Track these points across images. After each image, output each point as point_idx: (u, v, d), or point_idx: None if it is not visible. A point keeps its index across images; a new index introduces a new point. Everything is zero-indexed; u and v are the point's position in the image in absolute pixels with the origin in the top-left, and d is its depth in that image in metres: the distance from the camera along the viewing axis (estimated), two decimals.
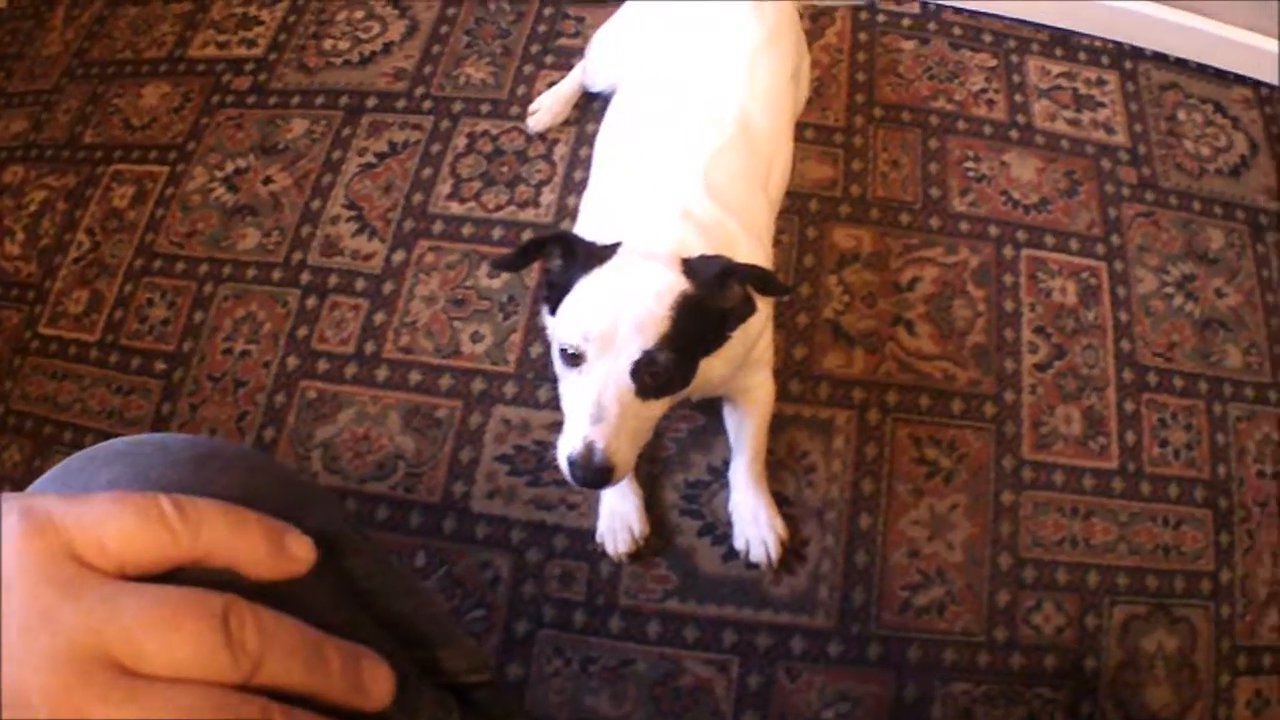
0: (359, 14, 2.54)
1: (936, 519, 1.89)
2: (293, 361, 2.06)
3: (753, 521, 1.80)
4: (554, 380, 1.40)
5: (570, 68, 2.31)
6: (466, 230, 2.17)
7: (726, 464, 1.86)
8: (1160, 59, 2.46)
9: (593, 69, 2.13)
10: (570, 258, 1.37)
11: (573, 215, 2.04)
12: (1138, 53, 2.47)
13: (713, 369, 1.48)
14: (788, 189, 1.84)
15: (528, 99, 2.33)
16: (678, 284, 1.31)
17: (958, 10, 2.51)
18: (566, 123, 2.30)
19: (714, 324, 1.38)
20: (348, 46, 2.48)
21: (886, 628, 1.81)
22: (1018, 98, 2.38)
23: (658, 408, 1.35)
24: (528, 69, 2.40)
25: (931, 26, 2.49)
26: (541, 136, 2.29)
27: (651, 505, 1.87)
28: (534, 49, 2.44)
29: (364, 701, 0.55)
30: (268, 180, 2.28)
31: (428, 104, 2.36)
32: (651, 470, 1.92)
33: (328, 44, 2.49)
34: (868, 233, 2.17)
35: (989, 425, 1.98)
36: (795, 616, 1.81)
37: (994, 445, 1.96)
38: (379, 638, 0.82)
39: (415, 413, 1.99)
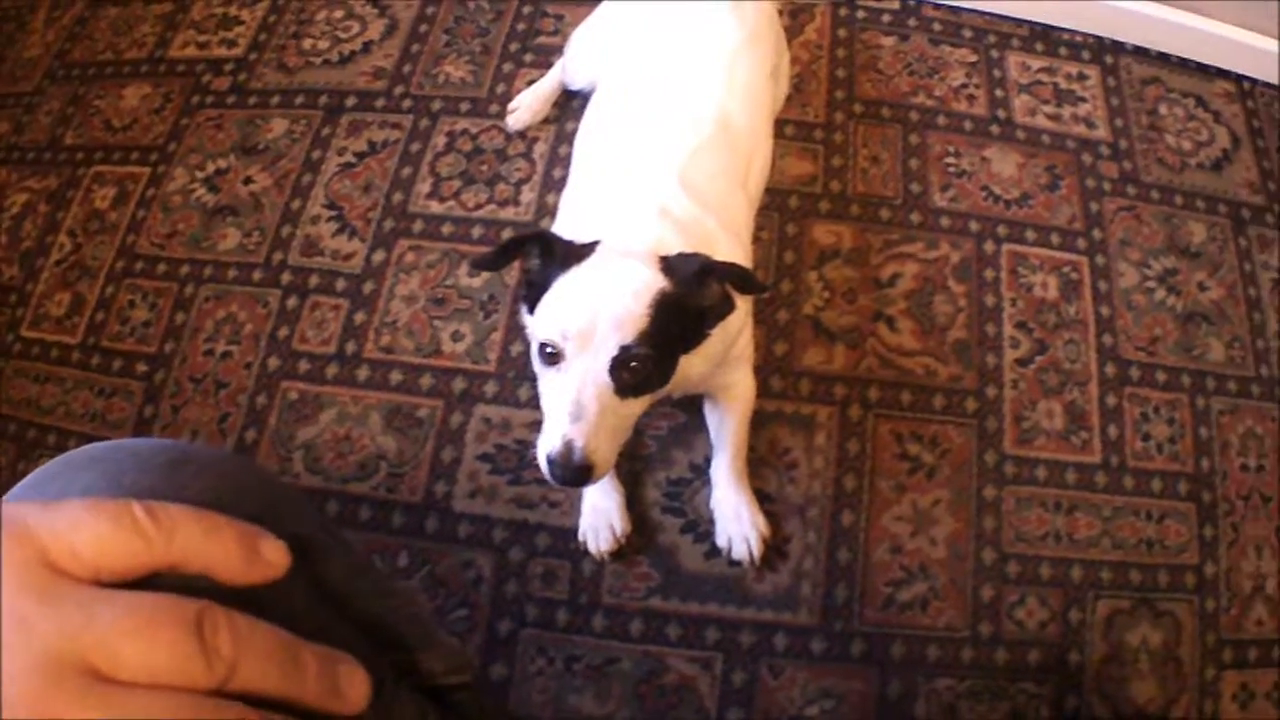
0: (338, 13, 2.53)
1: (919, 514, 1.89)
2: (274, 362, 2.05)
3: (735, 519, 1.80)
4: (534, 379, 1.39)
5: (549, 66, 2.31)
6: (446, 229, 2.17)
7: (708, 461, 1.86)
8: (1141, 53, 2.46)
9: (572, 67, 2.13)
10: (548, 256, 1.37)
11: (553, 213, 2.04)
12: (1119, 47, 2.47)
13: (692, 366, 1.48)
14: (768, 186, 1.85)
15: (507, 97, 2.33)
16: (656, 282, 1.31)
17: (937, 6, 2.51)
18: (546, 121, 2.30)
19: (693, 322, 1.37)
20: (327, 46, 2.47)
21: (870, 624, 1.81)
22: (998, 93, 2.38)
23: (637, 406, 1.34)
24: (507, 67, 2.40)
25: (911, 22, 2.49)
26: (521, 135, 2.29)
27: (633, 503, 1.87)
28: (513, 47, 2.43)
29: (340, 705, 0.55)
30: (248, 180, 2.28)
31: (407, 103, 2.36)
32: (633, 468, 1.91)
33: (307, 43, 2.49)
34: (848, 229, 2.17)
35: (971, 420, 1.98)
36: (778, 613, 1.81)
37: (976, 440, 1.96)
38: (355, 641, 0.82)
39: (396, 412, 1.98)
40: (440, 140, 2.29)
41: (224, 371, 2.06)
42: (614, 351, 1.27)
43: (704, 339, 1.42)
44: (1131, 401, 2.02)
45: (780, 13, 2.03)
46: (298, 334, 2.08)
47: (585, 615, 1.81)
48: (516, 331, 2.04)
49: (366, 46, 2.46)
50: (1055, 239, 2.18)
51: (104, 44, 2.57)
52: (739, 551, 1.80)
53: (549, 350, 1.30)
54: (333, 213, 2.21)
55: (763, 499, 1.86)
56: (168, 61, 2.51)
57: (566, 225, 1.58)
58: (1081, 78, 2.42)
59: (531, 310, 1.37)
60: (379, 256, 2.15)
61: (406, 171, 2.25)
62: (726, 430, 1.78)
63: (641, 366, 1.29)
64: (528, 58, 2.41)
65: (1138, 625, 1.84)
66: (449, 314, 2.07)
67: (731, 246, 1.55)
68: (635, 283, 1.30)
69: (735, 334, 1.60)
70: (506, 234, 2.15)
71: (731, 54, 1.72)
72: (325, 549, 0.87)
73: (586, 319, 1.28)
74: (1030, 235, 2.18)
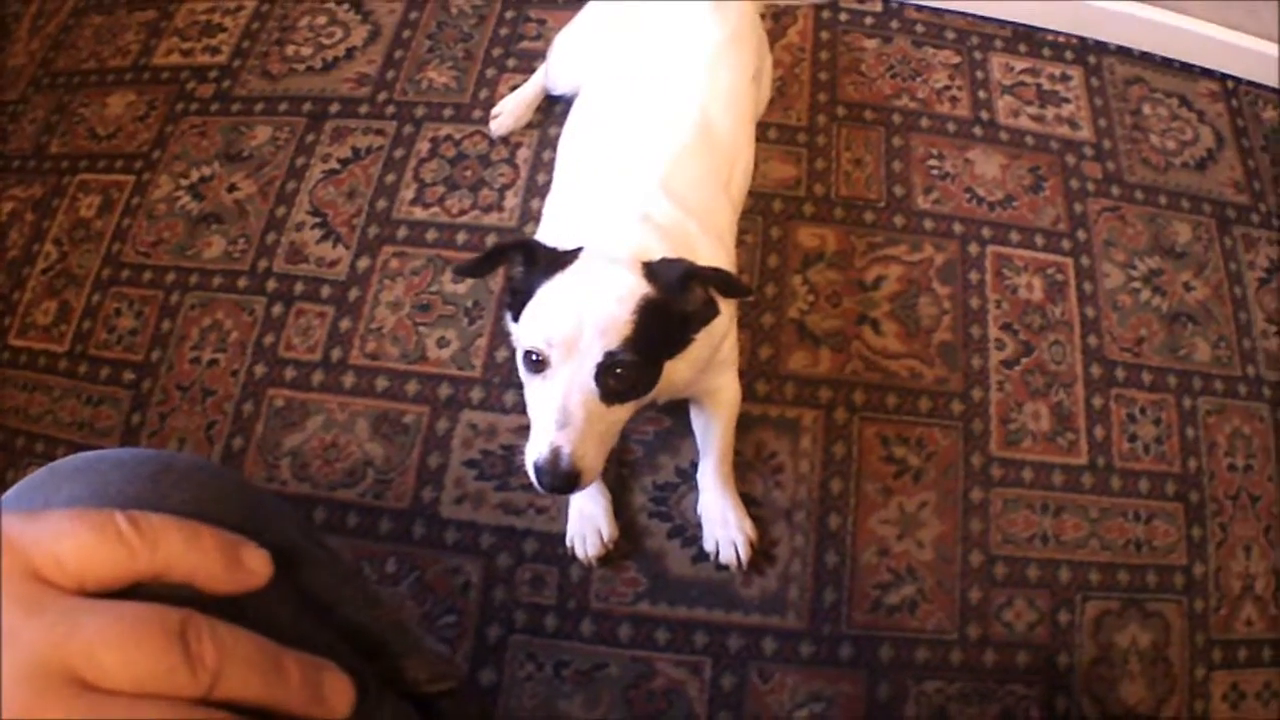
0: (321, 20, 2.53)
1: (906, 517, 1.90)
2: (260, 370, 2.05)
3: (722, 523, 1.80)
4: (520, 385, 1.40)
5: (532, 71, 2.31)
6: (430, 235, 2.17)
7: (694, 466, 1.86)
8: (1125, 53, 2.47)
9: (555, 71, 2.13)
10: (532, 264, 1.37)
11: (537, 218, 2.04)
12: (1102, 47, 2.48)
13: (677, 371, 1.49)
14: (751, 189, 1.85)
15: (490, 103, 2.33)
16: (639, 287, 1.31)
17: (920, 8, 2.52)
18: (529, 126, 2.30)
19: (677, 327, 1.38)
20: (310, 52, 2.47)
21: (858, 627, 1.81)
22: (981, 94, 2.39)
23: (623, 411, 1.35)
24: (490, 72, 2.40)
25: (894, 25, 2.50)
26: (504, 140, 2.29)
27: (620, 508, 1.87)
28: (496, 52, 2.43)
29: (324, 713, 0.55)
30: (232, 188, 2.27)
31: (391, 109, 2.36)
32: (620, 473, 1.91)
33: (291, 50, 2.48)
34: (832, 232, 2.17)
35: (957, 423, 1.98)
36: (766, 617, 1.81)
37: (962, 442, 1.97)
38: (339, 649, 0.83)
39: (383, 419, 1.98)
40: (424, 146, 2.29)
41: (210, 379, 2.05)
42: (599, 358, 1.28)
43: (689, 344, 1.42)
44: (1118, 402, 2.03)
45: (762, 16, 2.04)
46: (283, 341, 2.07)
47: (574, 620, 1.81)
48: (502, 337, 2.04)
49: (350, 53, 2.46)
50: (1040, 240, 2.18)
51: (88, 52, 2.56)
52: (726, 555, 1.80)
53: (534, 357, 1.30)
54: (317, 219, 2.21)
55: (749, 503, 1.86)
56: (152, 69, 2.50)
57: (551, 231, 1.59)
58: (1065, 78, 2.43)
59: (516, 318, 1.38)
60: (364, 263, 2.14)
61: (390, 178, 2.25)
62: (712, 435, 1.78)
63: (627, 373, 1.29)
64: (511, 63, 2.41)
65: (1127, 626, 1.84)
66: (434, 320, 2.07)
67: (715, 251, 1.56)
68: (619, 289, 1.30)
69: (720, 338, 1.60)
70: (491, 239, 2.15)
71: (713, 55, 1.73)
72: (308, 557, 0.87)
73: (571, 326, 1.28)
74: (1014, 237, 2.18)
